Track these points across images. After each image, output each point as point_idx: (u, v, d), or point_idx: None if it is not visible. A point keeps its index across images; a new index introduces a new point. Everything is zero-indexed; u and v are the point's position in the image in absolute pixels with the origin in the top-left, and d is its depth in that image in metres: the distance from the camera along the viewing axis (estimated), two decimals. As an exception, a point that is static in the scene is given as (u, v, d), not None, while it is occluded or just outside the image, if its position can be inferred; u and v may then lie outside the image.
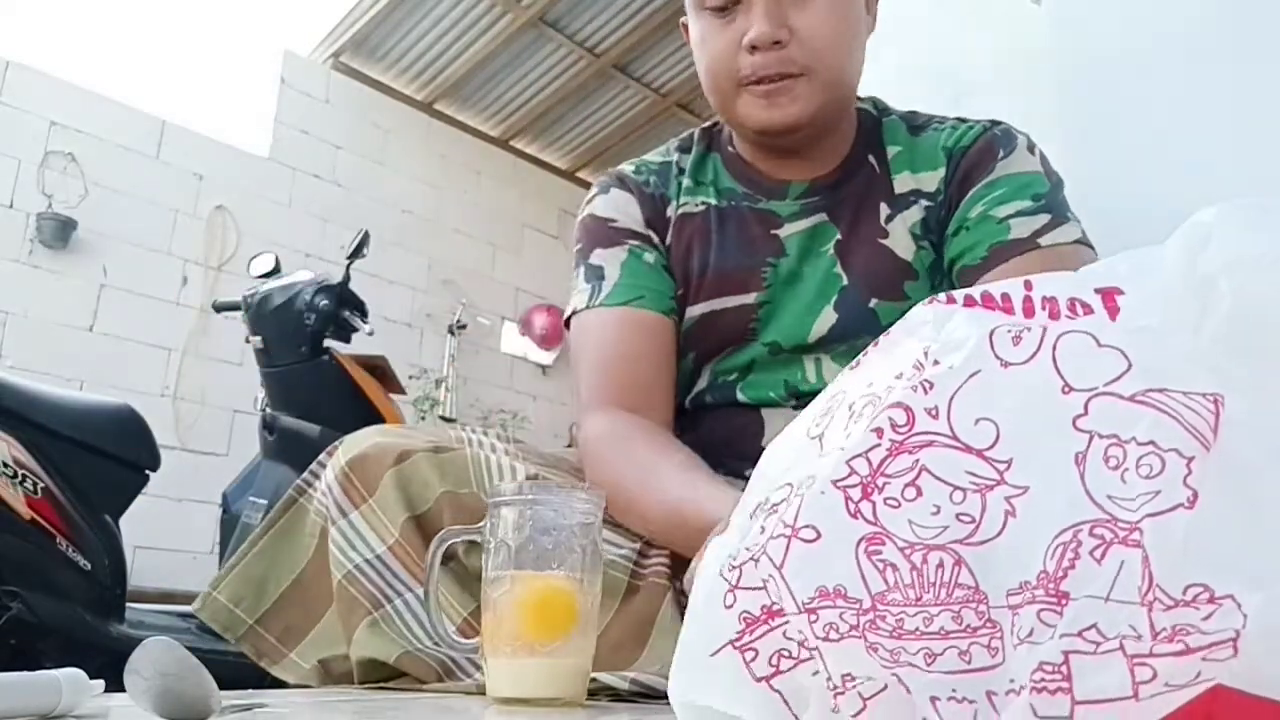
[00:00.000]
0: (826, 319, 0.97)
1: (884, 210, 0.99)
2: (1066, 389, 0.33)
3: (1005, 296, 0.36)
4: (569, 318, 1.04)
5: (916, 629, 0.32)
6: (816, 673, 0.34)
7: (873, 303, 0.96)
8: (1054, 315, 0.34)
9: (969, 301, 0.36)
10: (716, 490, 0.79)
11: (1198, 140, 1.22)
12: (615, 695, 0.70)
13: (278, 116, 4.67)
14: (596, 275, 1.01)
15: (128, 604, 2.15)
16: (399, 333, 4.88)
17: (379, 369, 2.72)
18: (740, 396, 0.99)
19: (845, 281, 0.97)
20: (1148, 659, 0.28)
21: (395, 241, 4.92)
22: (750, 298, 0.99)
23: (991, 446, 0.33)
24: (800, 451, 0.39)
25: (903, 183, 1.00)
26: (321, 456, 0.91)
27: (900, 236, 0.98)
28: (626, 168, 1.09)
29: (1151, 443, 0.30)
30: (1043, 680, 0.29)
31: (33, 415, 1.98)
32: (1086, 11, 1.40)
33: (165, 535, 3.81)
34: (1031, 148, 0.98)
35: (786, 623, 0.35)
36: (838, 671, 0.33)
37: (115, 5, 4.22)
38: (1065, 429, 0.32)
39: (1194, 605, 0.28)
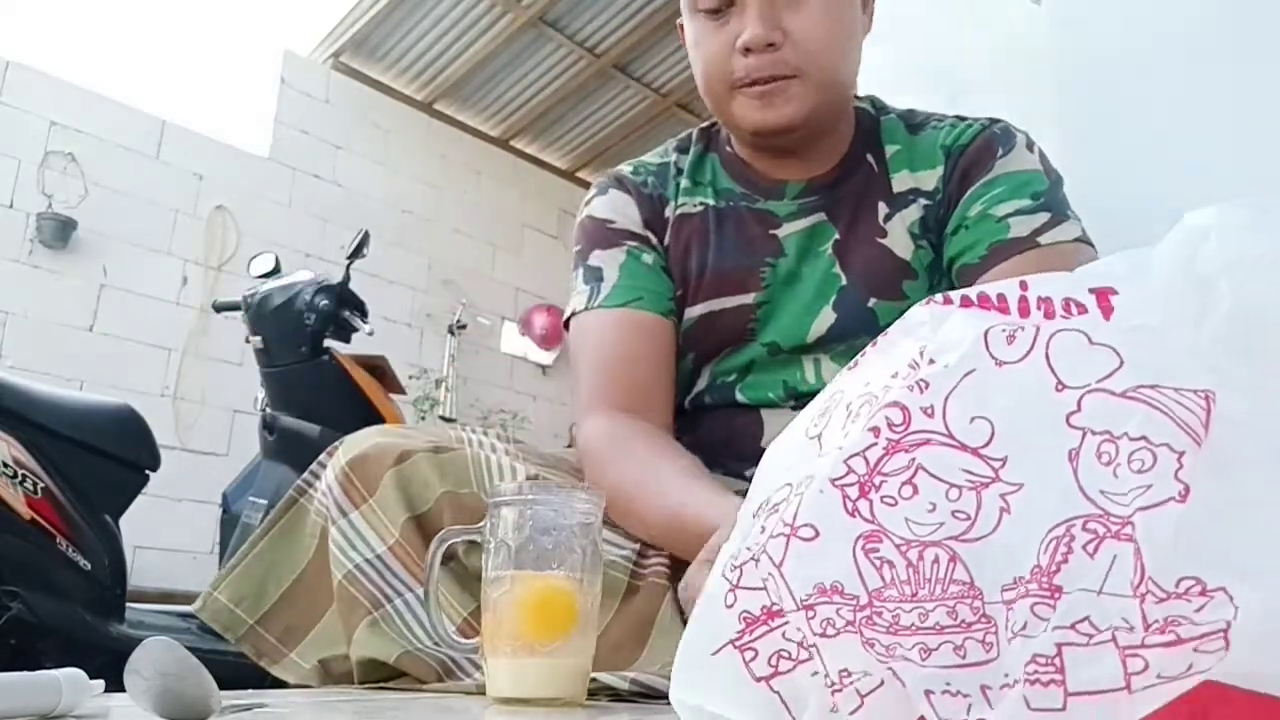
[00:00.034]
0: (825, 319, 0.96)
1: (882, 209, 0.99)
2: (1060, 386, 0.33)
3: (1001, 297, 0.36)
4: (568, 319, 1.04)
5: (912, 624, 0.32)
6: (815, 673, 0.34)
7: (871, 302, 0.96)
8: (1049, 315, 0.35)
9: (965, 302, 0.37)
10: (716, 496, 0.79)
11: (1198, 140, 1.22)
12: (615, 695, 0.70)
13: (278, 116, 4.67)
14: (595, 277, 1.01)
15: (128, 604, 2.15)
16: (399, 333, 4.88)
17: (379, 369, 2.72)
18: (739, 397, 0.99)
19: (844, 281, 0.97)
20: (1140, 650, 0.28)
21: (395, 241, 4.92)
22: (749, 298, 0.99)
23: (986, 444, 0.33)
24: (799, 452, 0.39)
25: (901, 181, 1.00)
26: (322, 457, 0.91)
27: (899, 236, 0.97)
28: (625, 169, 1.09)
29: (1143, 438, 0.31)
30: (1036, 672, 0.29)
31: (33, 415, 1.98)
32: (1086, 11, 1.40)
33: (165, 535, 3.81)
34: (1030, 145, 0.98)
35: (786, 623, 0.35)
36: (834, 668, 0.33)
37: (115, 5, 4.22)
38: (1059, 426, 0.32)
39: (1186, 598, 0.28)
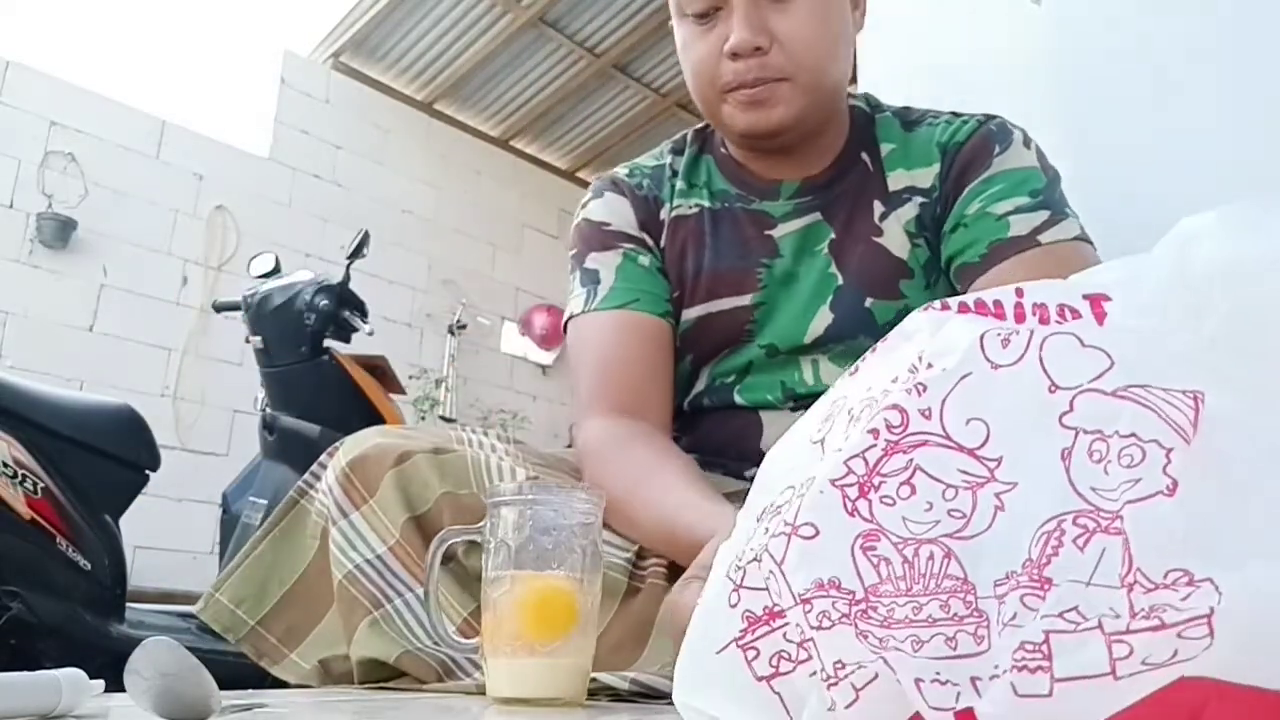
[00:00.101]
0: (823, 319, 0.96)
1: (878, 208, 0.98)
2: (1053, 388, 0.34)
3: (998, 303, 0.37)
4: (566, 322, 1.04)
5: (905, 617, 0.33)
6: (814, 673, 0.34)
7: (868, 302, 0.96)
8: (1044, 320, 0.36)
9: (963, 308, 0.38)
10: (710, 505, 0.79)
11: (1198, 140, 1.22)
12: (615, 695, 0.70)
13: (278, 116, 4.67)
14: (592, 279, 1.01)
15: (128, 604, 2.15)
16: (399, 333, 4.88)
17: (379, 369, 2.72)
18: (738, 399, 0.99)
19: (840, 281, 0.97)
20: (1125, 635, 0.29)
21: (395, 241, 4.93)
22: (746, 299, 0.99)
23: (982, 445, 0.34)
24: (803, 456, 0.40)
25: (897, 180, 0.99)
26: (322, 458, 0.91)
27: (895, 234, 0.97)
28: (620, 171, 1.09)
29: (1133, 435, 0.32)
30: (1024, 659, 0.30)
31: (33, 415, 1.98)
32: (1087, 11, 1.40)
33: (165, 535, 3.81)
34: (1027, 142, 0.98)
35: (786, 624, 0.36)
36: (829, 660, 0.34)
37: (115, 5, 4.22)
38: (1052, 426, 0.33)
39: (1173, 588, 0.29)
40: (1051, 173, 0.96)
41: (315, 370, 2.56)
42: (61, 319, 3.86)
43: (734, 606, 0.38)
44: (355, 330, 2.64)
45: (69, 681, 0.51)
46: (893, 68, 1.66)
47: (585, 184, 1.13)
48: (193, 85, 4.38)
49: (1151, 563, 0.29)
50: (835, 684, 0.33)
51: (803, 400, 0.96)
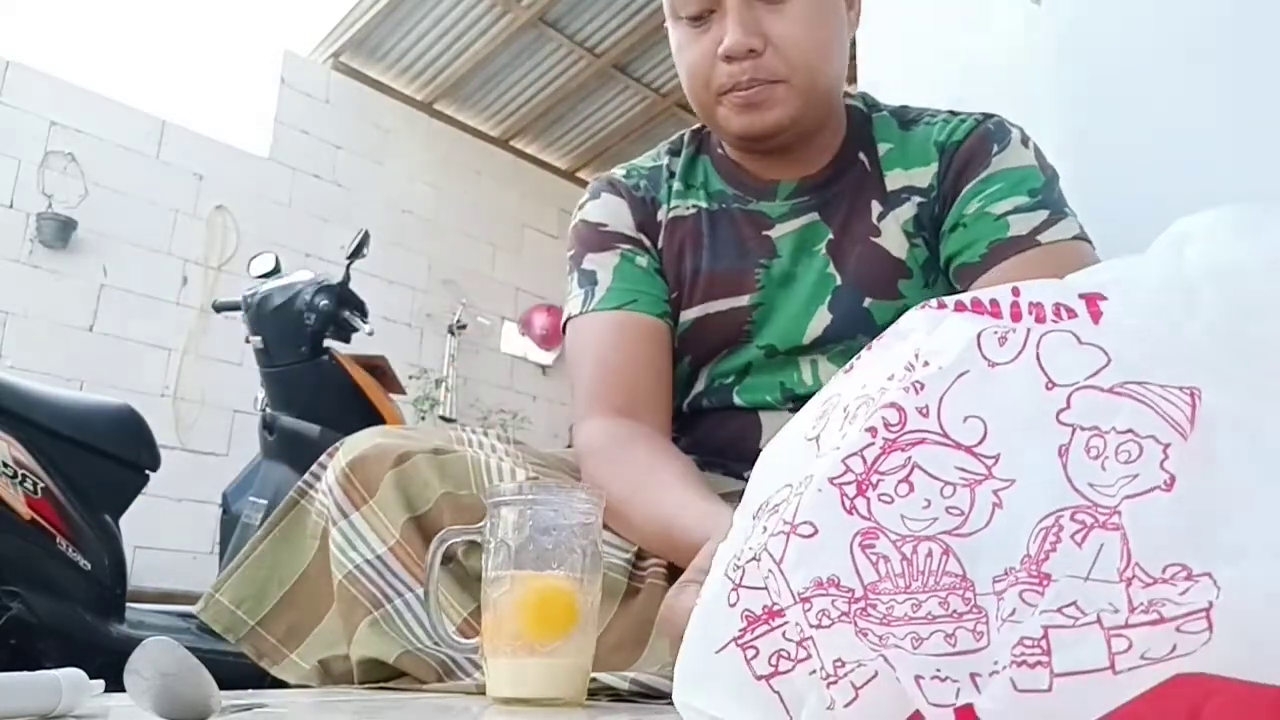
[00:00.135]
0: (821, 320, 0.96)
1: (876, 208, 0.98)
2: (1050, 385, 0.34)
3: (994, 302, 0.37)
4: (565, 323, 1.04)
5: (905, 615, 0.33)
6: (813, 672, 0.34)
7: (867, 302, 0.96)
8: (1040, 319, 0.36)
9: (959, 307, 0.38)
10: (708, 506, 0.78)
11: (1198, 140, 1.22)
12: (615, 695, 0.70)
13: (278, 116, 4.67)
14: (589, 280, 1.01)
15: (128, 604, 2.15)
16: (399, 333, 4.88)
17: (379, 369, 2.72)
18: (737, 400, 0.99)
19: (839, 281, 0.97)
20: (1124, 630, 0.29)
21: (395, 241, 4.93)
22: (744, 300, 0.99)
23: (980, 443, 0.34)
24: (798, 454, 0.40)
25: (894, 180, 0.99)
26: (322, 458, 0.91)
27: (893, 234, 0.97)
28: (617, 172, 1.09)
29: (1130, 430, 0.32)
30: (1023, 654, 0.30)
31: (33, 415, 1.98)
32: (1087, 11, 1.40)
33: (165, 535, 3.81)
34: (1025, 140, 0.97)
35: (785, 623, 0.36)
36: (829, 658, 0.34)
37: (115, 5, 4.22)
38: (1049, 423, 0.33)
39: (1172, 583, 0.29)
40: (1050, 171, 0.96)
41: (315, 370, 2.56)
42: (61, 319, 3.86)
43: (733, 606, 0.38)
44: (355, 330, 2.65)
45: (69, 681, 0.51)
46: (893, 68, 1.66)
47: (585, 184, 1.13)
48: (193, 85, 4.38)
49: (1149, 558, 0.30)
50: (835, 682, 0.33)
51: (802, 400, 0.95)
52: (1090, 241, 0.91)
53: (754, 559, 0.38)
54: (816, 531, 0.35)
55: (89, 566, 1.99)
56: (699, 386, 1.03)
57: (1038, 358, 0.35)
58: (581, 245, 1.04)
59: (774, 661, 0.36)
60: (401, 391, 2.93)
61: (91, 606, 1.99)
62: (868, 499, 0.35)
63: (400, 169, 5.14)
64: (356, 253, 2.74)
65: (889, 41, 1.70)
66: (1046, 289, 0.37)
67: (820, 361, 0.97)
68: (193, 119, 4.34)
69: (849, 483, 0.35)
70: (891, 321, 0.42)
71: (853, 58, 1.75)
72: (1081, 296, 0.36)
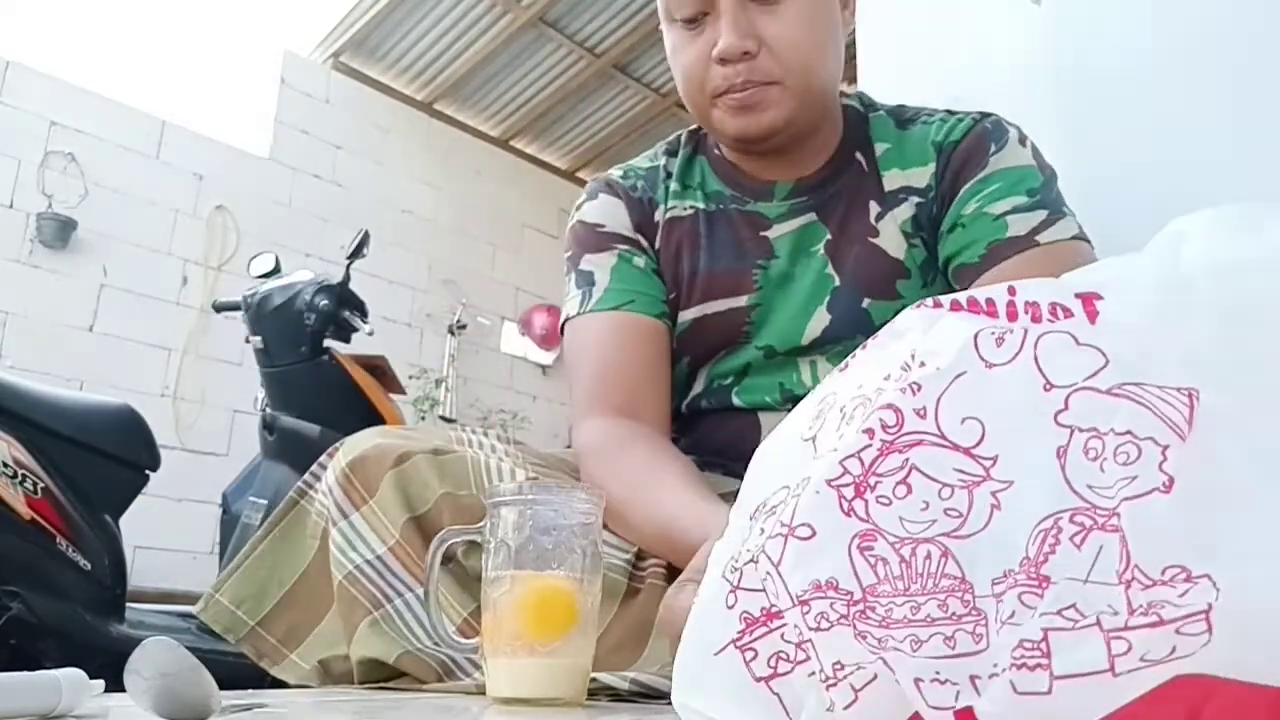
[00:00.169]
0: (820, 320, 0.96)
1: (874, 209, 0.98)
2: (1048, 386, 0.34)
3: (990, 301, 0.37)
4: (563, 324, 1.04)
5: (904, 617, 0.33)
6: (812, 674, 0.34)
7: (865, 303, 0.96)
8: (1036, 319, 0.36)
9: (955, 306, 0.38)
10: (707, 506, 0.78)
11: (1198, 141, 1.22)
12: (615, 695, 0.70)
13: (278, 116, 4.67)
14: (587, 281, 1.01)
15: (128, 604, 2.15)
16: (399, 333, 4.88)
17: (379, 369, 2.72)
18: (736, 401, 0.99)
19: (837, 282, 0.97)
20: (1123, 632, 0.29)
21: (395, 241, 4.92)
22: (742, 300, 0.99)
23: (978, 444, 0.34)
24: (795, 454, 0.40)
25: (892, 180, 0.99)
26: (322, 458, 0.91)
27: (891, 235, 0.97)
28: (614, 173, 1.09)
29: (1128, 432, 0.32)
30: (1022, 657, 0.30)
31: (33, 415, 1.98)
32: (1087, 12, 1.40)
33: (165, 535, 3.81)
34: (1023, 140, 0.97)
35: (784, 625, 0.36)
36: (828, 661, 0.34)
37: (115, 5, 4.22)
38: (1047, 424, 0.33)
39: (1171, 584, 0.29)
40: (1048, 170, 0.96)
41: (315, 370, 2.56)
42: (61, 319, 3.86)
43: (731, 608, 0.38)
44: (355, 330, 2.65)
45: (69, 681, 0.51)
46: (892, 68, 1.66)
47: (585, 184, 1.13)
48: (193, 85, 4.38)
49: (1149, 559, 0.30)
50: (834, 685, 0.33)
51: (800, 401, 0.96)
52: (1089, 241, 0.91)
53: (751, 561, 0.37)
54: (814, 534, 0.35)
55: (89, 566, 1.99)
56: (698, 387, 1.03)
57: (1035, 359, 0.34)
58: (579, 246, 1.04)
59: (773, 663, 0.36)
60: (401, 391, 2.93)
61: (91, 606, 1.99)
62: (866, 501, 0.35)
63: (400, 169, 5.14)
64: (356, 253, 2.74)
65: (888, 42, 1.70)
66: (1043, 288, 0.37)
67: (819, 362, 0.97)
68: (193, 119, 4.34)
69: (847, 485, 0.35)
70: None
71: (852, 57, 1.75)
72: (1078, 296, 0.36)
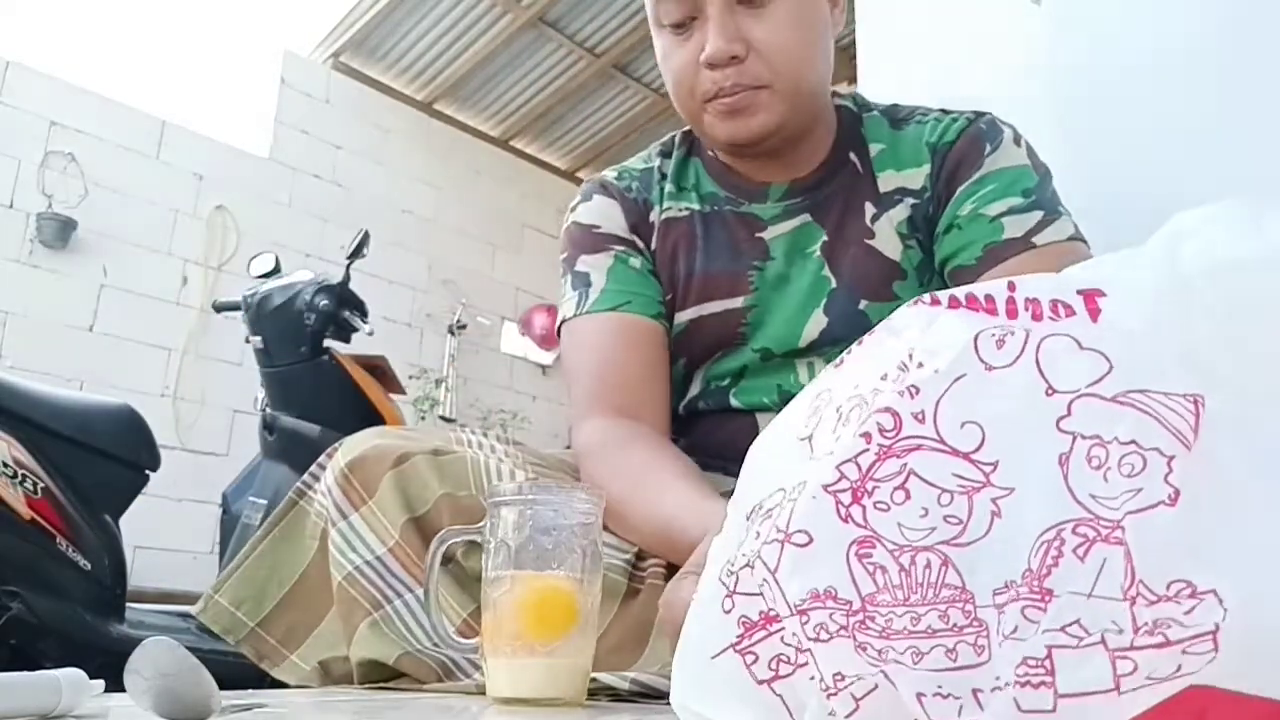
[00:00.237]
0: (817, 322, 0.96)
1: (869, 210, 0.98)
2: (1050, 391, 0.33)
3: (989, 298, 0.36)
4: (560, 326, 1.04)
5: (904, 628, 0.32)
6: (813, 677, 0.34)
7: (862, 304, 0.95)
8: (1036, 317, 0.35)
9: (954, 303, 0.37)
10: (709, 505, 0.78)
11: (1197, 140, 1.22)
12: (615, 695, 0.70)
13: (278, 116, 4.67)
14: (583, 282, 1.01)
15: (128, 604, 2.15)
16: (399, 333, 4.88)
17: (379, 369, 2.72)
18: (734, 402, 0.99)
19: (834, 284, 0.97)
20: (1129, 652, 0.29)
21: (395, 241, 4.92)
22: (738, 302, 0.99)
23: (977, 449, 0.33)
24: (791, 454, 0.39)
25: (887, 181, 0.99)
26: (321, 459, 0.91)
27: (887, 236, 0.97)
28: (608, 174, 1.09)
29: (1133, 442, 0.31)
30: (1026, 675, 0.30)
31: (33, 415, 1.98)
32: (1087, 12, 1.40)
33: (165, 535, 3.81)
34: (1018, 139, 0.97)
35: (782, 628, 0.35)
36: (829, 671, 0.33)
37: (115, 5, 4.22)
38: (1049, 431, 0.33)
39: (1176, 600, 0.29)
40: (1042, 170, 0.96)
41: (315, 370, 2.56)
42: (61, 319, 3.86)
43: (728, 612, 0.37)
44: (355, 330, 2.65)
45: (69, 681, 0.51)
46: (893, 68, 1.66)
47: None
48: (193, 85, 4.38)
49: (1153, 574, 0.29)
50: (835, 694, 0.33)
51: (795, 398, 0.96)
52: (1085, 241, 0.91)
53: (747, 565, 0.37)
54: (811, 540, 0.35)
55: (89, 566, 1.99)
56: (695, 389, 1.03)
57: (1037, 363, 0.34)
58: (574, 247, 1.04)
59: (774, 666, 0.36)
60: (401, 391, 2.93)
61: (91, 606, 1.99)
62: (863, 506, 0.34)
63: (400, 169, 5.14)
64: (356, 253, 2.75)
65: (888, 42, 1.70)
66: (1043, 284, 0.36)
67: (816, 364, 0.97)
68: (193, 119, 4.33)
69: (844, 490, 0.34)
70: None
71: (852, 58, 1.75)
72: (1079, 293, 0.35)
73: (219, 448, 4.18)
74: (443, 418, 4.88)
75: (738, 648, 0.37)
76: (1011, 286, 0.36)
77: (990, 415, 0.34)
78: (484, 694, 0.69)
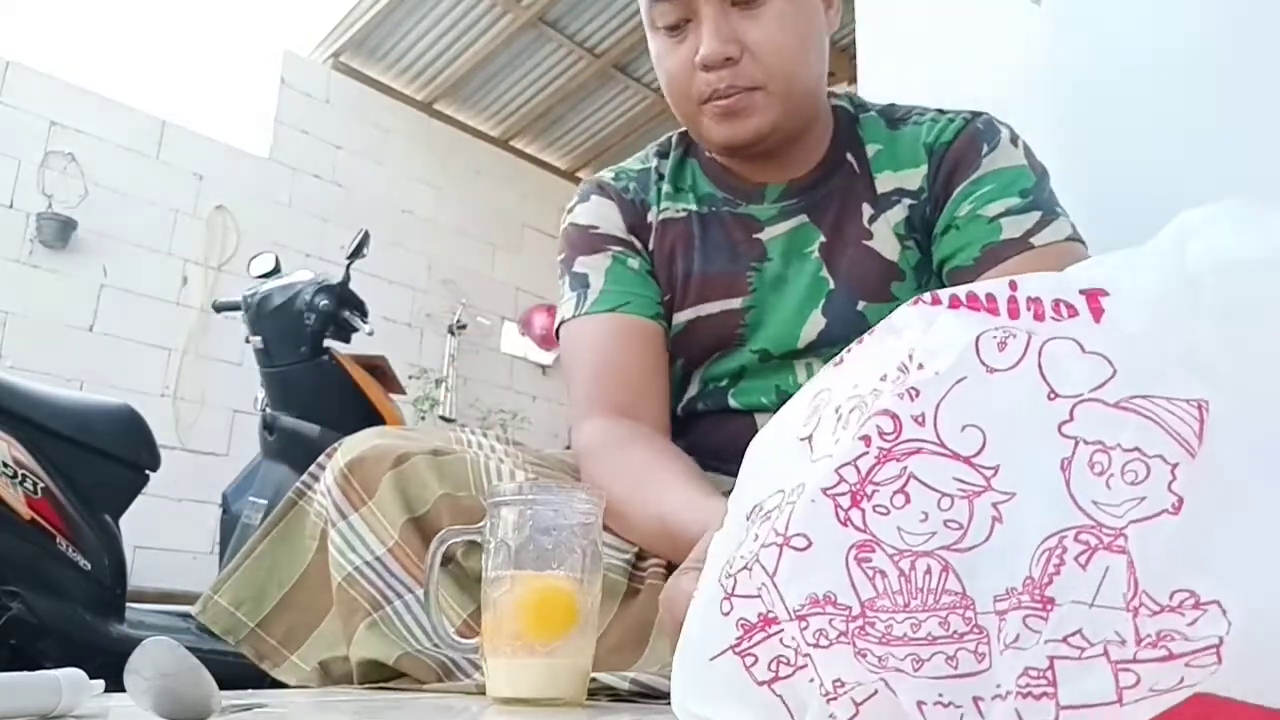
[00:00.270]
0: (815, 323, 0.96)
1: (867, 211, 0.98)
2: (1052, 395, 0.33)
3: (990, 297, 0.36)
4: (558, 327, 1.04)
5: (904, 635, 0.32)
6: (812, 679, 0.34)
7: (861, 305, 0.95)
8: (1038, 317, 0.34)
9: (954, 302, 0.36)
10: (710, 503, 0.78)
11: (1198, 140, 1.22)
12: (615, 695, 0.70)
13: (278, 116, 4.67)
14: (582, 283, 1.01)
15: (128, 604, 2.15)
16: (399, 333, 4.88)
17: (379, 369, 2.72)
18: (732, 403, 0.99)
19: (832, 285, 0.97)
20: (1132, 664, 0.28)
21: (395, 241, 4.92)
22: (736, 302, 0.99)
23: (978, 453, 0.33)
24: (790, 454, 0.38)
25: (884, 182, 0.99)
26: (320, 459, 0.91)
27: (885, 237, 0.97)
28: (606, 175, 1.09)
29: (1136, 449, 0.31)
30: (1028, 685, 0.29)
31: (33, 415, 1.98)
32: (1087, 12, 1.40)
33: (165, 535, 3.81)
34: (1014, 139, 0.97)
35: (781, 630, 0.35)
36: (828, 677, 0.33)
37: (115, 5, 4.22)
38: (1051, 435, 0.32)
39: (1179, 611, 0.28)
40: (1039, 170, 0.96)
41: (315, 370, 2.56)
42: (61, 319, 3.86)
43: (727, 615, 0.37)
44: (355, 330, 2.65)
45: (69, 681, 0.51)
46: (893, 68, 1.66)
47: (586, 184, 1.12)
48: (193, 85, 4.38)
49: (1156, 584, 0.29)
50: (835, 699, 0.33)
51: (793, 397, 0.96)
52: (1083, 242, 0.91)
53: (745, 568, 0.36)
54: (810, 544, 0.34)
55: (89, 566, 1.99)
56: (693, 390, 1.03)
57: (1039, 366, 0.33)
58: (572, 249, 1.04)
59: (774, 667, 0.35)
60: (401, 391, 2.93)
61: (91, 606, 1.99)
62: (863, 510, 0.34)
63: (400, 169, 5.14)
64: (356, 253, 2.75)
65: (888, 42, 1.70)
66: (1045, 283, 0.35)
67: (815, 365, 0.97)
68: (193, 119, 4.33)
69: (843, 493, 0.34)
70: None
71: (852, 58, 1.75)
72: (1082, 293, 0.34)
73: (219, 448, 4.18)
74: (443, 418, 4.88)
75: (737, 649, 0.36)
76: (1013, 285, 0.36)
77: (991, 419, 0.33)
78: (484, 694, 0.69)
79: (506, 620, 0.66)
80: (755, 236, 1.00)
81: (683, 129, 1.08)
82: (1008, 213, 0.91)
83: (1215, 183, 1.17)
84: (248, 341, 2.67)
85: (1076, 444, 0.32)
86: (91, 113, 4.03)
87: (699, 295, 1.00)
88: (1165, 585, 0.29)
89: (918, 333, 0.36)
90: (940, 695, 0.31)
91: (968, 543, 0.32)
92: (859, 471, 0.34)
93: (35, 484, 1.89)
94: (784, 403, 1.00)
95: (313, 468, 0.91)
